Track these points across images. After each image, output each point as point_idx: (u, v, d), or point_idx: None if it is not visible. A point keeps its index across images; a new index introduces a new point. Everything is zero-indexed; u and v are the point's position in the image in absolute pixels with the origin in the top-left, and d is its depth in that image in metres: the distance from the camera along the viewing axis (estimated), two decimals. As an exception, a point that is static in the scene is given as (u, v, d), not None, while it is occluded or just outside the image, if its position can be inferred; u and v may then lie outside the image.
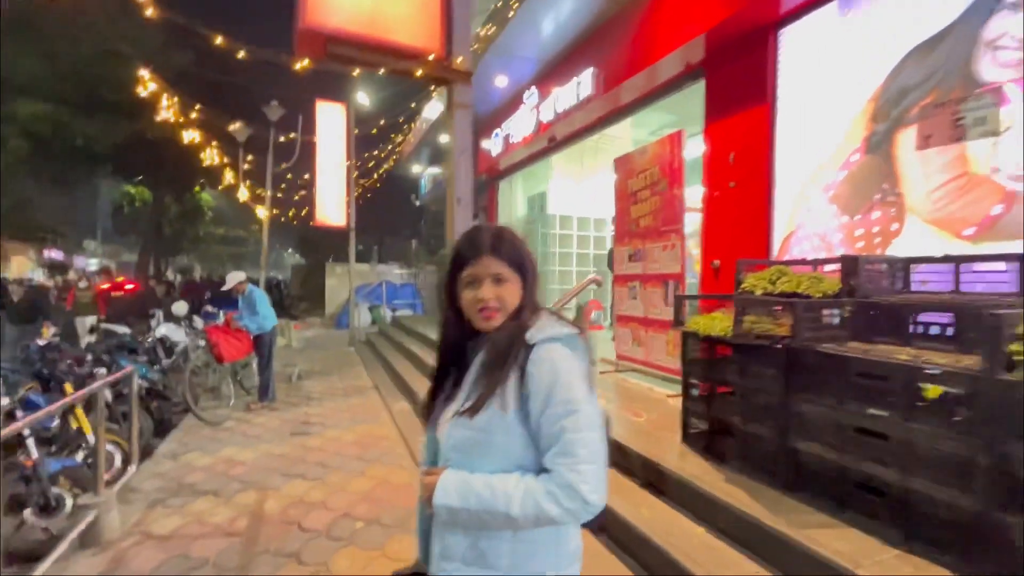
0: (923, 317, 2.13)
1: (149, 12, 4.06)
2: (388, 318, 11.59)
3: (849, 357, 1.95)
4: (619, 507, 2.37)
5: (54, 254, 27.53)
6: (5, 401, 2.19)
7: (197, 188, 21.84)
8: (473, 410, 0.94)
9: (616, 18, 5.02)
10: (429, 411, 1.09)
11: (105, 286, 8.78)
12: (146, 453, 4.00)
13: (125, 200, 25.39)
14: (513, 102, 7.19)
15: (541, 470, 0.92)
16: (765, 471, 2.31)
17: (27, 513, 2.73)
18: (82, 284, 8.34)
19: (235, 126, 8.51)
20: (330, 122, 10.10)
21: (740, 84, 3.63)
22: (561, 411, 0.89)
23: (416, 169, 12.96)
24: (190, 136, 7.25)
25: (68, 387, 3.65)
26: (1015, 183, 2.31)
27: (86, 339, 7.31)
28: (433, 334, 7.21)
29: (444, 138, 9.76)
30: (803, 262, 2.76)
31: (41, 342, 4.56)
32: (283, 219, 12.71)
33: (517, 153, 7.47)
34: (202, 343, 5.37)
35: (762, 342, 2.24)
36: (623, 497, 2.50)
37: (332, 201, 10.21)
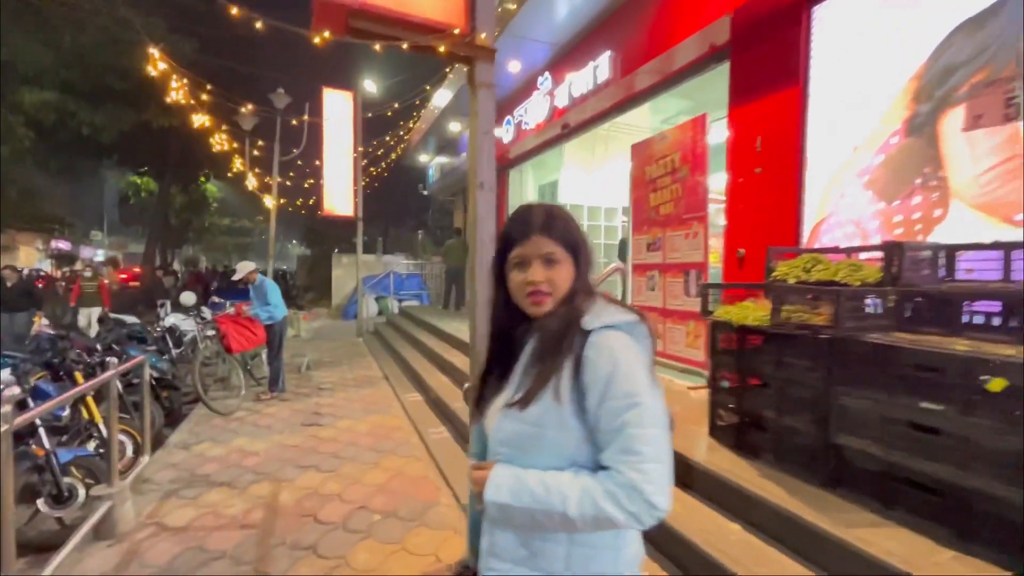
0: (970, 307, 2.02)
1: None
2: (395, 309, 11.54)
3: (902, 348, 1.84)
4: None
5: (61, 245, 27.63)
6: (16, 390, 2.13)
7: (203, 178, 21.80)
8: (524, 402, 0.87)
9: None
10: (479, 401, 1.01)
11: (123, 276, 8.75)
12: (157, 443, 3.96)
13: (131, 191, 25.41)
14: (526, 88, 7.04)
15: (598, 468, 0.83)
16: (802, 466, 2.22)
17: (40, 503, 2.69)
18: (87, 274, 8.30)
19: (247, 107, 8.38)
20: (337, 110, 9.97)
21: (768, 66, 3.49)
22: (622, 404, 0.81)
23: (423, 159, 12.82)
24: (197, 121, 7.14)
25: (78, 376, 3.60)
26: (1070, 166, 2.19)
27: (95, 328, 7.29)
28: (442, 325, 7.14)
29: (454, 126, 9.63)
30: (839, 250, 2.65)
31: (47, 332, 4.51)
32: (290, 208, 12.63)
33: (528, 141, 7.33)
34: (211, 333, 5.31)
35: (802, 332, 2.14)
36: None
37: (339, 191, 10.11)
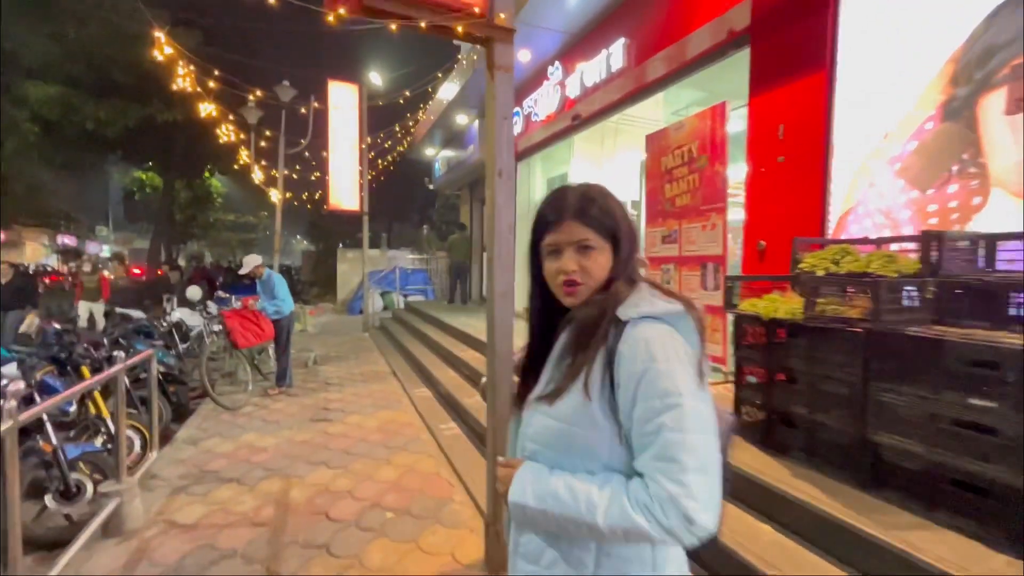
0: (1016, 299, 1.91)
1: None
2: (401, 304, 11.49)
3: (950, 342, 1.74)
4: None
5: (67, 240, 27.71)
6: (22, 385, 2.07)
7: (207, 174, 21.77)
8: (553, 396, 0.82)
9: (649, -15, 4.73)
10: (518, 395, 0.95)
11: (137, 271, 8.69)
12: (164, 439, 3.91)
13: (135, 186, 25.44)
14: (535, 80, 6.91)
15: (634, 474, 0.76)
16: (836, 465, 2.12)
17: (48, 499, 2.63)
18: (86, 268, 8.24)
19: (256, 94, 8.28)
20: (343, 103, 9.88)
21: (792, 50, 3.36)
22: (658, 405, 0.73)
23: (429, 152, 12.70)
24: (203, 111, 7.05)
25: (85, 371, 3.55)
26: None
27: (100, 323, 7.25)
28: (449, 320, 7.06)
29: (461, 118, 9.51)
30: (869, 241, 2.54)
31: (53, 326, 4.46)
32: (296, 203, 12.57)
33: (537, 133, 7.21)
34: (217, 328, 5.26)
35: (839, 325, 2.04)
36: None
37: (345, 185, 10.04)
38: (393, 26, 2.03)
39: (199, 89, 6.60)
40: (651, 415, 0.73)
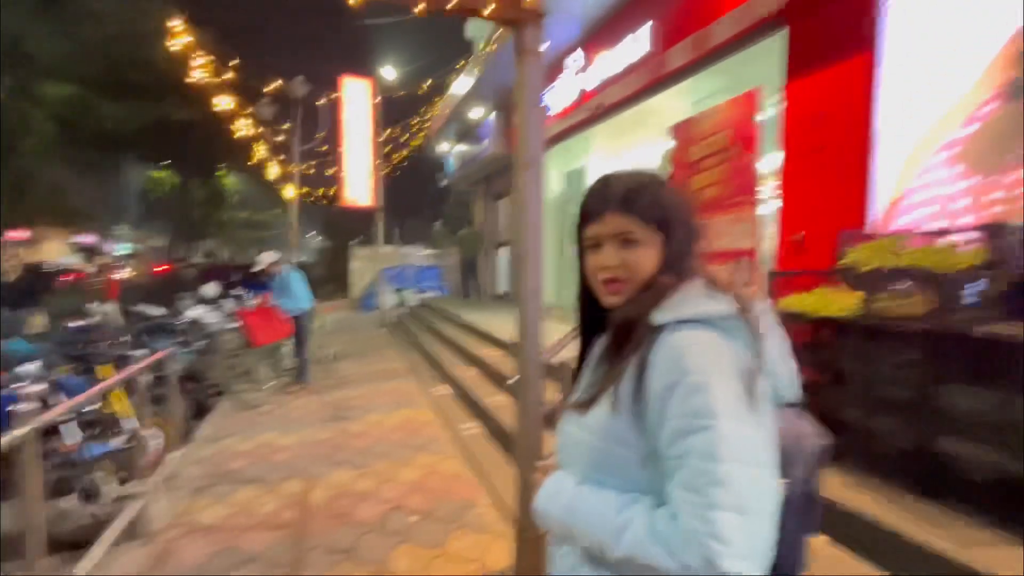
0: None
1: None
2: (415, 300, 11.44)
3: (1034, 342, 1.59)
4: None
5: (87, 239, 28.21)
6: (41, 387, 2.03)
7: (221, 172, 21.97)
8: (585, 404, 0.76)
9: (675, -32, 4.55)
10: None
11: (162, 268, 8.72)
12: (184, 437, 3.89)
13: (153, 185, 25.79)
14: (552, 71, 6.75)
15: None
16: (894, 473, 1.98)
17: (71, 499, 2.60)
18: (91, 269, 8.27)
19: (274, 84, 8.26)
20: (356, 99, 9.82)
21: (833, 33, 3.18)
22: (685, 425, 0.62)
23: (443, 147, 12.61)
24: (218, 104, 7.03)
25: (103, 370, 3.52)
26: None
27: (118, 321, 7.29)
28: (466, 316, 6.97)
29: (475, 112, 9.37)
30: (924, 232, 2.38)
31: (74, 324, 4.46)
32: (310, 200, 12.59)
33: (555, 126, 7.06)
34: (235, 325, 5.24)
35: (901, 324, 1.89)
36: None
37: (359, 181, 10.00)
38: (418, 8, 1.92)
39: (215, 80, 6.56)
40: (677, 437, 0.63)
